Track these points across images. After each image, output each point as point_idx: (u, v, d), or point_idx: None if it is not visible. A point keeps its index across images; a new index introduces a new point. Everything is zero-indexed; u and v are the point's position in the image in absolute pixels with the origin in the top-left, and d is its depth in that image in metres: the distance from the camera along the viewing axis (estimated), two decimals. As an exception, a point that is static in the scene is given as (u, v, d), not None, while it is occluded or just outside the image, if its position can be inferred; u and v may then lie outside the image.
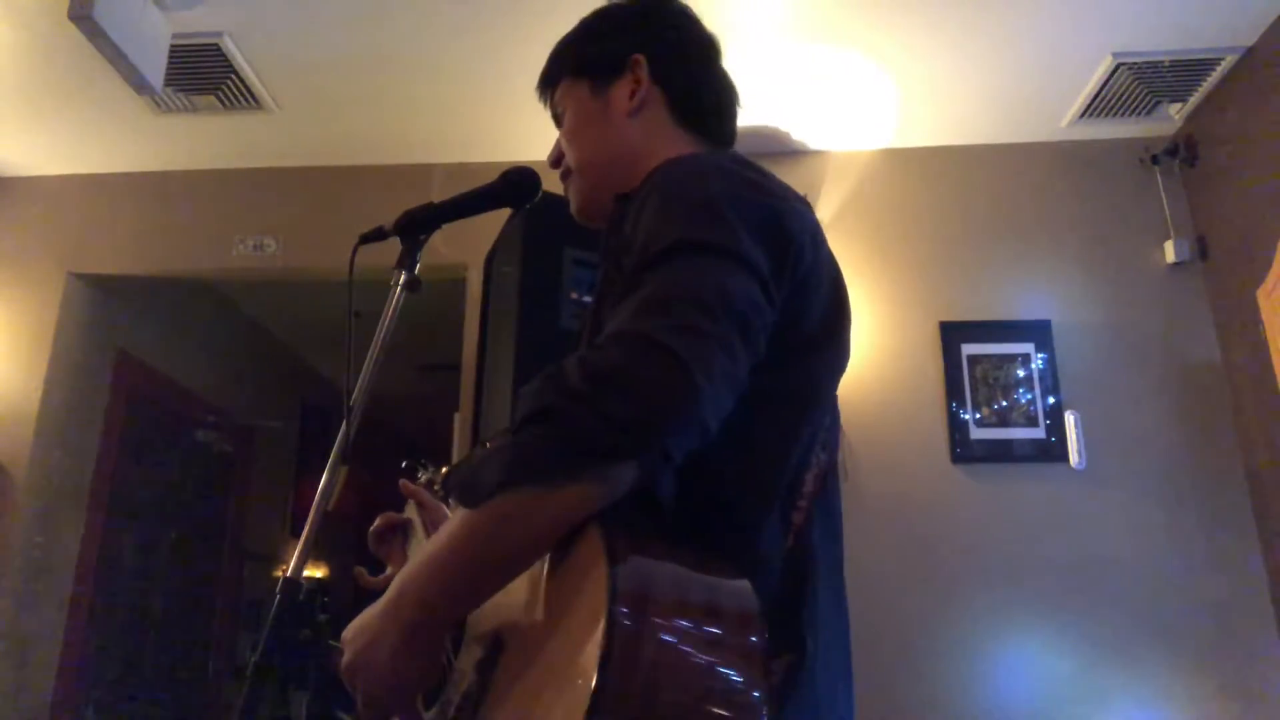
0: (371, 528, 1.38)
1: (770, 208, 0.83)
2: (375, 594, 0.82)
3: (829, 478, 0.89)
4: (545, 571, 0.76)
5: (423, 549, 0.78)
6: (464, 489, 0.73)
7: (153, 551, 4.00)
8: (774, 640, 0.66)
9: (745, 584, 0.68)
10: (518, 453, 0.69)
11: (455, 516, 0.74)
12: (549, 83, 1.11)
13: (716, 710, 0.60)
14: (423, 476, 1.46)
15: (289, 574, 0.99)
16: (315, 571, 5.38)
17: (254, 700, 0.93)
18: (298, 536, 1.02)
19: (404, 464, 1.50)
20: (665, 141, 1.01)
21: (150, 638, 3.98)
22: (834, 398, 0.93)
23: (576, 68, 1.07)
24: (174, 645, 4.16)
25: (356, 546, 6.32)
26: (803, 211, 0.87)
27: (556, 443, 0.68)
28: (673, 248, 0.76)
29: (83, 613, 3.35)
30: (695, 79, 1.05)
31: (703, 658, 0.62)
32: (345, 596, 6.00)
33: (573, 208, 1.08)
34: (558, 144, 1.09)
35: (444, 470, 1.46)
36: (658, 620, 0.61)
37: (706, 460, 0.74)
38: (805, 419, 0.86)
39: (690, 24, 1.07)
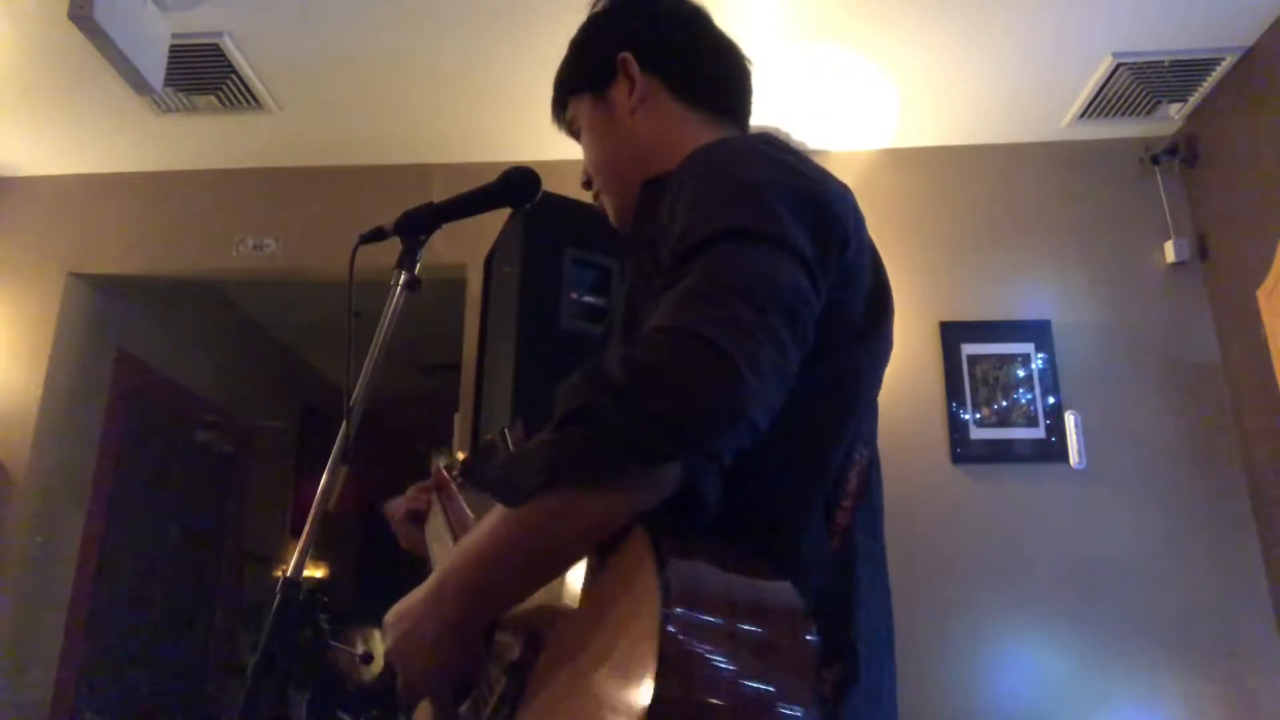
0: (395, 509, 1.39)
1: (814, 192, 0.80)
2: (394, 582, 0.82)
3: (872, 474, 0.86)
4: (587, 571, 0.75)
5: (464, 543, 0.77)
6: (504, 487, 0.72)
7: (153, 551, 3.99)
8: (825, 647, 0.64)
9: (790, 586, 0.66)
10: (559, 452, 0.67)
11: (495, 513, 0.74)
12: (559, 107, 1.10)
13: (767, 715, 0.58)
14: (442, 461, 1.46)
15: (289, 574, 0.99)
16: (315, 571, 5.38)
17: (254, 700, 0.93)
18: (298, 536, 1.02)
19: (419, 449, 1.50)
20: (675, 125, 1.00)
21: (150, 638, 3.98)
22: (877, 392, 0.90)
23: (575, 85, 1.07)
24: (174, 645, 4.16)
25: (356, 546, 6.34)
26: (845, 195, 0.84)
27: (599, 442, 0.65)
28: (715, 236, 0.73)
29: (83, 613, 3.35)
30: (686, 57, 1.03)
31: (757, 663, 0.60)
32: (345, 596, 6.00)
33: (611, 218, 1.07)
34: (584, 165, 1.09)
35: (460, 456, 1.46)
36: (710, 626, 0.60)
37: (747, 458, 0.72)
38: (850, 413, 0.82)
39: (667, 6, 1.06)
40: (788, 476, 0.78)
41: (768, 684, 0.59)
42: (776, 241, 0.73)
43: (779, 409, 0.69)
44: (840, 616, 0.78)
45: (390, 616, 0.82)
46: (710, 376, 0.64)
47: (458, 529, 1.31)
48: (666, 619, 0.58)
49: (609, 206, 1.06)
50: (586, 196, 1.11)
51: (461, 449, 2.85)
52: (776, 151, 0.85)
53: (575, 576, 0.76)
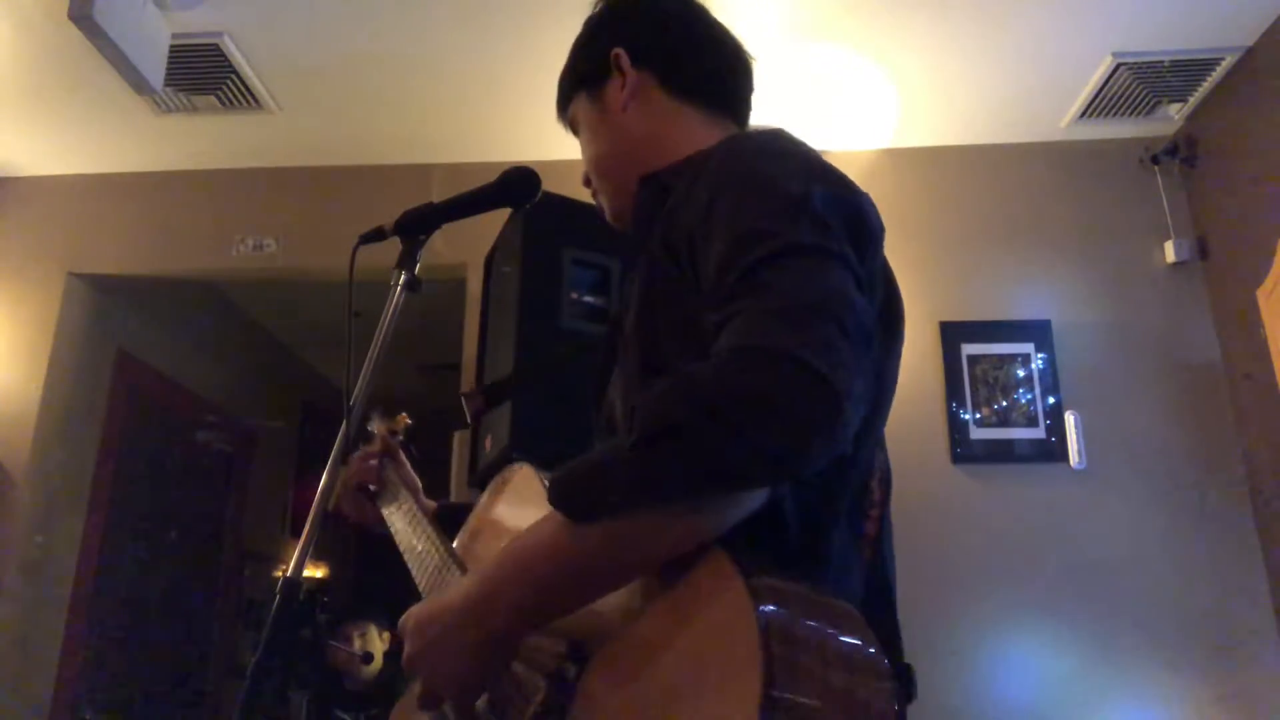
0: (343, 482, 1.35)
1: (854, 203, 0.79)
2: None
3: (889, 480, 0.85)
4: (653, 582, 0.71)
5: (511, 551, 0.75)
6: (573, 499, 0.69)
7: (153, 551, 3.99)
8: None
9: (863, 624, 0.65)
10: (647, 471, 0.65)
11: (555, 522, 0.71)
12: (562, 109, 1.11)
13: None
14: (378, 427, 1.43)
15: (289, 574, 0.99)
16: (315, 571, 5.37)
17: (254, 700, 0.93)
18: (298, 536, 1.02)
19: (374, 411, 1.47)
20: (667, 120, 1.00)
21: (150, 638, 3.98)
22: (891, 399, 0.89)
23: (575, 83, 1.07)
24: (174, 645, 4.16)
25: (356, 546, 6.33)
26: (872, 203, 0.84)
27: (695, 465, 0.63)
28: (781, 250, 0.70)
29: (83, 613, 3.34)
30: (680, 51, 1.03)
31: (850, 684, 0.59)
32: (345, 596, 6.00)
33: (606, 215, 1.07)
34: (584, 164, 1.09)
35: (400, 419, 1.43)
36: (808, 669, 0.58)
37: None
38: (877, 421, 0.82)
39: (663, 2, 1.06)
40: (819, 490, 0.76)
41: (864, 710, 0.58)
42: (839, 258, 0.72)
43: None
44: (891, 634, 0.77)
45: (412, 621, 0.79)
46: (815, 403, 0.62)
47: (416, 499, 1.29)
48: (769, 662, 0.56)
49: (604, 203, 1.06)
50: (586, 196, 1.12)
51: (462, 448, 2.85)
52: (801, 150, 0.85)
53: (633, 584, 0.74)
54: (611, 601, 0.73)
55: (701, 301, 0.74)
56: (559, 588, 0.72)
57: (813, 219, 0.73)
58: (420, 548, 1.17)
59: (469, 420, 1.48)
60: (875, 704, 0.59)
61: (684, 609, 0.67)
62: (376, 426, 1.43)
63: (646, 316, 0.83)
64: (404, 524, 1.26)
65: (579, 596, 0.73)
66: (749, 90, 1.07)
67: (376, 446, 1.39)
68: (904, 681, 0.75)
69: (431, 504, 1.35)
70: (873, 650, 0.62)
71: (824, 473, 0.74)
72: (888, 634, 0.76)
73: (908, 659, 0.86)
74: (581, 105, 1.06)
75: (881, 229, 0.82)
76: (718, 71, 1.04)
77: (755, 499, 0.67)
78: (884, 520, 0.82)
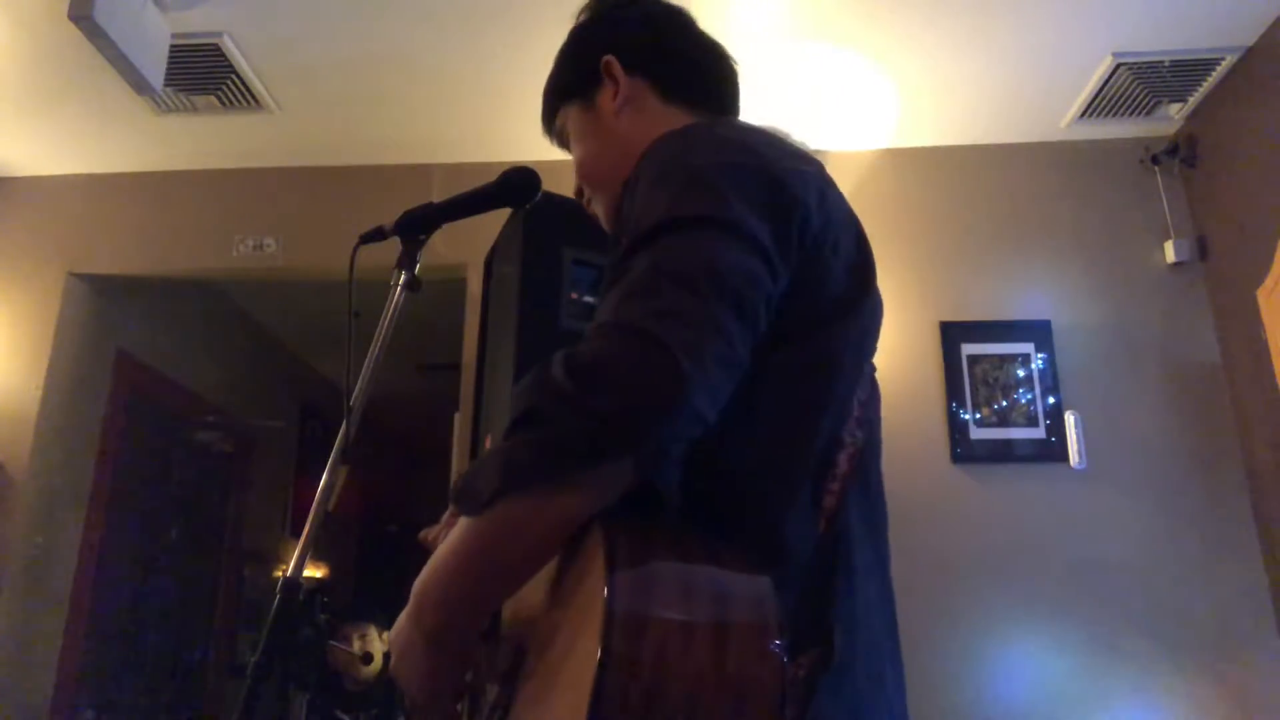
0: (433, 538, 1.38)
1: (767, 171, 0.78)
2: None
3: (867, 458, 0.84)
4: (555, 573, 0.75)
5: (434, 555, 0.78)
6: (462, 497, 0.72)
7: (153, 551, 3.99)
8: (803, 636, 0.63)
9: (762, 580, 0.64)
10: (509, 459, 0.67)
11: (460, 523, 0.74)
12: (549, 117, 1.10)
13: (723, 712, 0.57)
14: None
15: (289, 574, 1.00)
16: (315, 571, 5.38)
17: (254, 700, 0.93)
18: (298, 536, 1.02)
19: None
20: (657, 123, 0.99)
21: (150, 638, 3.98)
22: (868, 370, 0.87)
23: (563, 93, 1.07)
24: (174, 645, 4.16)
25: (356, 546, 6.34)
26: (805, 171, 0.82)
27: (545, 446, 0.65)
28: (660, 226, 0.72)
29: (83, 613, 3.34)
30: (670, 57, 1.03)
31: (710, 656, 0.59)
32: (345, 596, 6.00)
33: (603, 224, 1.07)
34: (576, 176, 1.09)
35: None
36: (658, 625, 0.59)
37: (719, 446, 0.71)
38: (829, 393, 0.80)
39: (647, 7, 1.06)
40: (766, 459, 0.77)
41: (723, 672, 0.58)
42: (724, 225, 0.72)
43: (727, 396, 0.68)
44: (822, 601, 0.76)
45: (391, 633, 0.83)
46: (647, 369, 0.63)
47: None
48: (609, 624, 0.58)
49: (599, 210, 1.06)
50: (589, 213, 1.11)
51: (462, 448, 2.85)
52: (730, 131, 0.84)
53: (551, 576, 0.77)
54: (534, 594, 0.77)
55: None
56: (470, 581, 0.73)
57: (704, 190, 0.74)
58: None
59: None
60: (736, 677, 0.59)
61: (568, 591, 0.70)
62: None
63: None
64: None
65: (492, 586, 0.74)
66: (737, 92, 1.07)
67: None
68: (820, 644, 0.74)
69: None
70: (746, 626, 0.62)
71: (771, 447, 0.75)
72: (819, 604, 0.75)
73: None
74: (572, 115, 1.05)
75: (817, 196, 0.81)
76: (707, 74, 1.04)
77: (623, 474, 0.67)
78: (850, 494, 0.80)
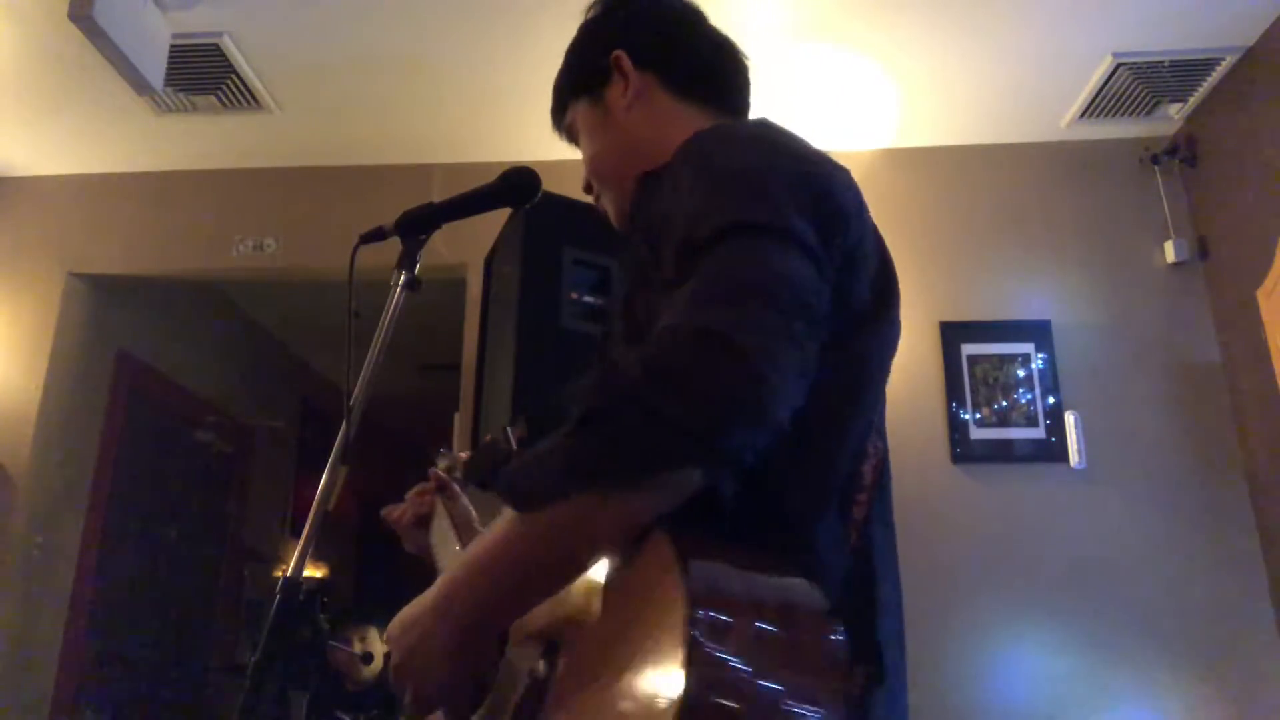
0: (397, 514, 1.38)
1: (813, 176, 0.78)
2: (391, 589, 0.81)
3: (885, 466, 0.85)
4: (607, 573, 0.73)
5: (472, 548, 0.76)
6: (517, 492, 0.70)
7: (153, 551, 3.99)
8: (851, 647, 0.63)
9: (815, 589, 0.65)
10: (577, 456, 0.65)
11: (506, 519, 0.72)
12: (558, 114, 1.10)
13: None
14: (442, 464, 1.45)
15: (289, 574, 0.99)
16: (315, 571, 5.38)
17: (254, 701, 0.93)
18: (298, 536, 1.02)
19: (429, 452, 1.50)
20: (671, 120, 0.99)
21: (150, 637, 3.98)
22: (885, 380, 0.88)
23: (573, 89, 1.06)
24: (174, 645, 4.16)
25: (356, 546, 6.33)
26: (848, 179, 0.83)
27: (620, 447, 0.63)
28: (721, 231, 0.70)
29: (83, 613, 3.34)
30: (680, 53, 1.03)
31: (786, 668, 0.59)
32: (345, 596, 6.00)
33: (612, 220, 1.06)
34: (585, 170, 1.08)
35: (462, 456, 1.46)
36: (736, 631, 0.59)
37: (760, 454, 0.70)
38: (859, 404, 0.81)
39: (659, 3, 1.06)
40: (801, 471, 0.76)
41: (793, 686, 0.58)
42: (783, 234, 0.71)
43: (799, 406, 0.67)
44: (864, 617, 0.76)
45: (395, 628, 0.80)
46: (732, 378, 0.62)
47: (463, 531, 1.31)
48: (693, 624, 0.57)
49: (610, 207, 1.06)
50: (587, 196, 1.11)
51: (462, 449, 2.85)
52: (771, 133, 0.84)
53: (594, 574, 0.75)
54: (577, 595, 0.74)
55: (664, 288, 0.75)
56: (513, 579, 0.72)
57: (759, 196, 0.73)
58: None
59: (514, 448, 1.51)
60: (810, 691, 0.59)
61: (628, 598, 0.68)
62: (438, 465, 1.45)
63: (629, 311, 0.84)
64: (440, 553, 1.28)
65: (536, 586, 0.73)
66: (748, 89, 1.07)
67: (431, 484, 1.40)
68: (870, 661, 0.75)
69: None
70: (817, 634, 0.62)
71: (807, 457, 0.75)
72: (862, 616, 0.76)
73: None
74: (581, 110, 1.05)
75: (856, 207, 0.81)
76: (718, 70, 1.04)
77: (690, 480, 0.66)
78: (874, 505, 0.81)
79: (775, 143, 0.82)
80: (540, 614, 0.78)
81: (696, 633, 0.57)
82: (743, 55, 1.07)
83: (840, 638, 0.61)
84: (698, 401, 0.61)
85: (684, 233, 0.73)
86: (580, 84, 1.05)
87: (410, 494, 1.40)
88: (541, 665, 0.77)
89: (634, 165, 0.98)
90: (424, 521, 1.38)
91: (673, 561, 0.62)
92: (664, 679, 0.57)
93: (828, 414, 0.77)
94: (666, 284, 0.72)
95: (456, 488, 1.40)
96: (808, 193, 0.76)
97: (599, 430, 0.64)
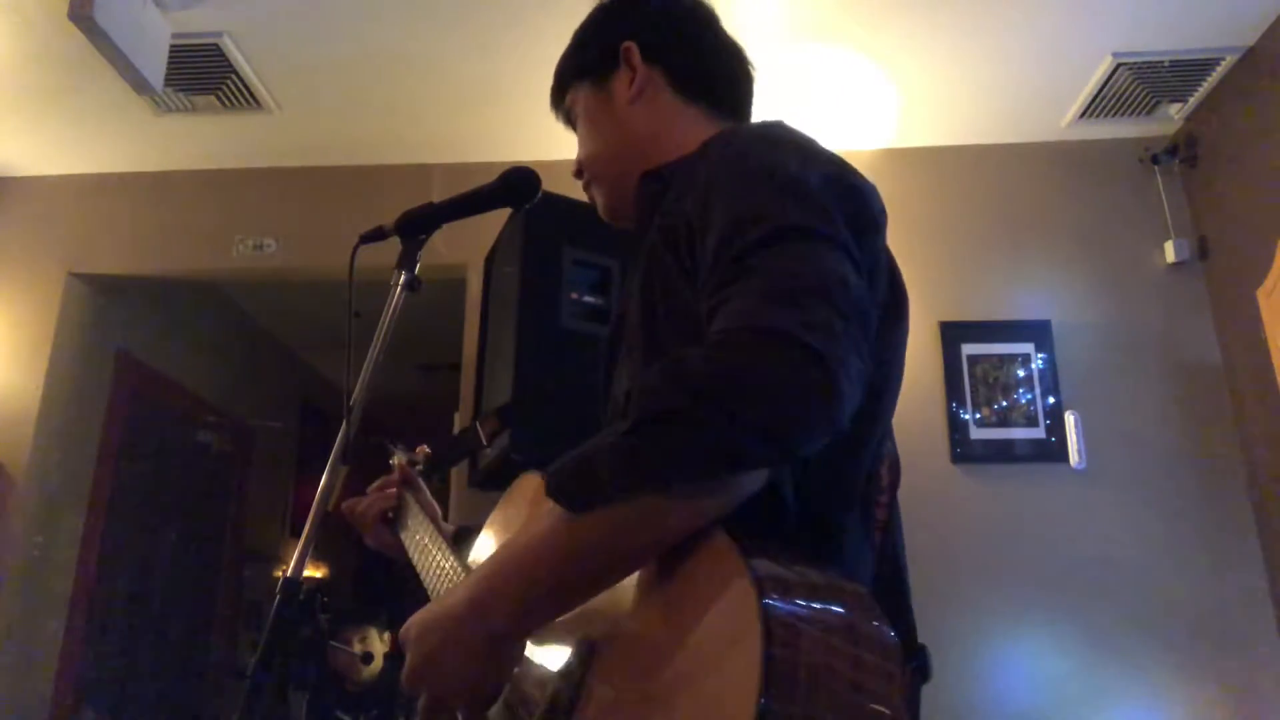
0: (360, 509, 1.37)
1: (849, 182, 0.79)
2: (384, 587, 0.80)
3: (898, 468, 0.85)
4: (654, 572, 0.70)
5: (511, 549, 0.73)
6: (569, 489, 0.68)
7: (153, 551, 3.99)
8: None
9: (866, 591, 0.64)
10: (641, 456, 0.64)
11: (554, 518, 0.70)
12: (558, 95, 1.09)
13: None
14: (401, 457, 1.44)
15: (289, 574, 0.99)
16: (315, 571, 5.38)
17: (254, 701, 0.93)
18: (298, 536, 1.02)
19: (382, 443, 1.49)
20: (673, 119, 0.99)
21: (150, 638, 3.98)
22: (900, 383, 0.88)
23: (577, 71, 1.06)
24: (174, 645, 4.16)
25: (356, 546, 6.32)
26: (874, 189, 0.83)
27: (688, 448, 0.62)
28: (775, 233, 0.70)
29: (83, 613, 3.34)
30: (690, 53, 1.02)
31: (856, 669, 0.58)
32: (345, 596, 6.00)
33: (600, 210, 1.06)
34: (577, 155, 1.08)
35: (421, 450, 1.45)
36: (807, 626, 0.58)
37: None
38: (881, 406, 0.81)
39: (676, 0, 1.06)
40: (831, 473, 0.76)
41: (873, 694, 0.58)
42: (833, 240, 0.71)
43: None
44: (902, 615, 0.77)
45: (414, 630, 0.77)
46: (808, 383, 0.61)
47: (436, 524, 1.29)
48: (770, 621, 0.56)
49: (599, 198, 1.05)
50: (576, 181, 1.11)
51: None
52: (800, 138, 0.84)
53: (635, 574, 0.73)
54: (616, 595, 0.72)
55: (699, 289, 0.74)
56: (560, 581, 0.70)
57: (807, 201, 0.73)
58: (436, 569, 1.16)
59: (485, 442, 1.50)
60: (881, 685, 0.58)
61: (685, 596, 0.66)
62: (397, 459, 1.44)
63: (648, 309, 0.83)
64: (422, 547, 1.26)
65: (580, 589, 0.71)
66: (751, 97, 1.07)
67: (395, 476, 1.39)
68: (919, 662, 0.76)
69: (451, 527, 1.35)
70: (878, 628, 0.61)
71: (835, 460, 0.74)
72: (901, 615, 0.77)
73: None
74: (583, 94, 1.05)
75: (883, 215, 0.82)
76: (725, 75, 1.04)
77: (754, 480, 0.66)
78: (893, 506, 0.82)
79: (808, 147, 0.82)
80: (573, 616, 0.76)
81: (773, 625, 0.56)
82: (750, 63, 1.07)
83: (894, 635, 0.61)
84: (775, 402, 0.61)
85: (729, 233, 0.72)
86: (586, 68, 1.05)
87: (372, 487, 1.39)
88: (572, 660, 0.74)
89: (632, 162, 0.98)
90: (386, 516, 1.36)
91: (737, 558, 0.61)
92: (740, 688, 0.55)
93: (856, 417, 0.78)
94: (713, 286, 0.71)
95: (420, 481, 1.40)
96: (844, 197, 0.76)
97: (670, 430, 0.63)
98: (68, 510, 3.28)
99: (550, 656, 0.78)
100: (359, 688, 3.32)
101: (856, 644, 0.59)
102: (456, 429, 2.94)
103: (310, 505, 1.05)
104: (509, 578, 0.72)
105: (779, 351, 0.62)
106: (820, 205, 0.73)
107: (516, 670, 0.80)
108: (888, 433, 0.85)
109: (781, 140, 0.83)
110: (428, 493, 1.38)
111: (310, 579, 1.01)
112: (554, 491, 0.70)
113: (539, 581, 0.71)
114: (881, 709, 0.57)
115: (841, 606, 0.62)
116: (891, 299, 0.83)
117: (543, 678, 0.78)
